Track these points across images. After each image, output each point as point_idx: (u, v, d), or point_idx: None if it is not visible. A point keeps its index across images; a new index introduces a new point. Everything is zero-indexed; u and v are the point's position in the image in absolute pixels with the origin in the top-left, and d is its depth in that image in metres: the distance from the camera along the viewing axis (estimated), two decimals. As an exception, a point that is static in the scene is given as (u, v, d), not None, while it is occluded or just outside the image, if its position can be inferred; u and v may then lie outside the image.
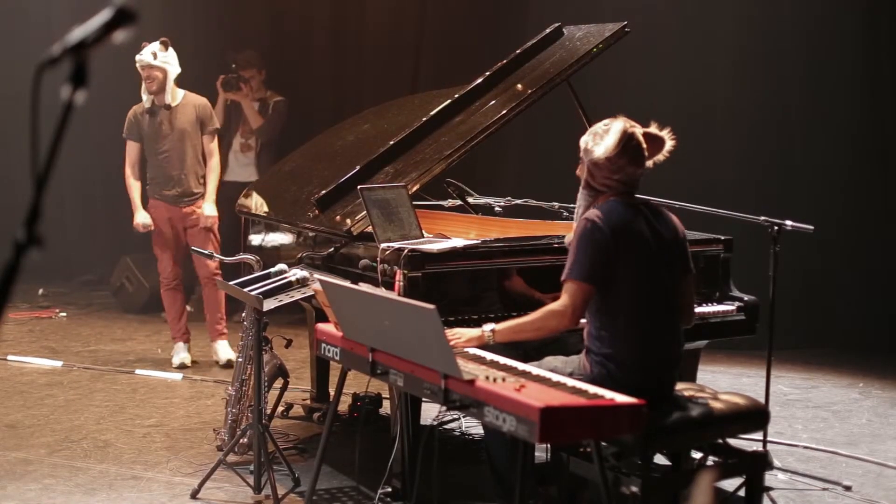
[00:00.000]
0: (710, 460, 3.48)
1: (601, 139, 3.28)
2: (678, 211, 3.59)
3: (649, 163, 3.38)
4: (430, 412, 4.40)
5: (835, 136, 7.25)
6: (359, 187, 4.11)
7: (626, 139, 3.26)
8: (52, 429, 4.95)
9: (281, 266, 4.25)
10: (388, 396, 4.63)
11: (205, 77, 7.94)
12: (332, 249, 4.41)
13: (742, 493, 3.43)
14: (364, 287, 3.71)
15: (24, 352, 6.48)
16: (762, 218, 4.36)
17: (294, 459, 4.42)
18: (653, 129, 3.39)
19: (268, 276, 4.16)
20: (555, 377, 2.96)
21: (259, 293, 3.96)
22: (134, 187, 6.19)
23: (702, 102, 7.24)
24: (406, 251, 3.76)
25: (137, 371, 6.12)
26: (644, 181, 3.37)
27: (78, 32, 1.28)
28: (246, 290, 4.00)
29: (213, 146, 6.19)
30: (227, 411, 4.53)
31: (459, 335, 3.38)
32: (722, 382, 5.97)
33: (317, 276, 3.90)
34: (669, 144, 3.38)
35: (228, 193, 7.57)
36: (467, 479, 4.24)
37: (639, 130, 3.33)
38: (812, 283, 7.17)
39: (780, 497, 4.16)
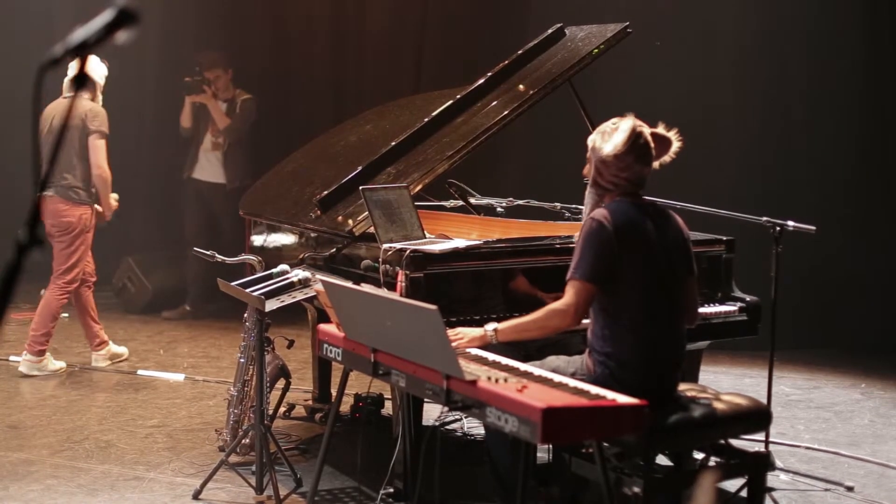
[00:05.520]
0: (712, 461, 3.47)
1: (610, 137, 3.28)
2: (680, 211, 3.58)
3: (655, 164, 3.38)
4: (431, 413, 4.40)
5: (836, 137, 7.25)
6: (361, 188, 4.11)
7: (635, 137, 3.27)
8: (54, 429, 4.96)
9: (283, 267, 4.25)
10: (389, 397, 4.63)
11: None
12: (334, 250, 4.42)
13: (744, 493, 3.42)
14: (366, 288, 3.71)
15: (27, 352, 6.47)
16: (764, 218, 4.36)
17: (296, 460, 4.42)
18: (660, 129, 3.40)
19: (270, 277, 4.16)
20: (557, 378, 2.96)
21: (261, 294, 3.96)
22: None
23: (703, 103, 7.24)
24: (408, 252, 3.76)
25: (139, 372, 6.13)
26: (647, 182, 3.37)
27: (80, 33, 1.28)
28: (248, 290, 4.00)
29: None
30: (229, 412, 4.52)
31: (462, 335, 3.38)
32: (724, 383, 5.97)
33: (319, 276, 3.90)
34: (676, 145, 3.37)
35: (197, 191, 7.68)
36: (469, 480, 4.23)
37: (646, 130, 3.33)
38: (814, 283, 7.16)
39: (782, 498, 4.16)
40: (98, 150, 6.05)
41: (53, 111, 6.12)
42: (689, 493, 3.09)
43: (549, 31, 4.87)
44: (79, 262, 6.11)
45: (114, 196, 6.19)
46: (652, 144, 3.31)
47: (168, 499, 4.07)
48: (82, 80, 1.29)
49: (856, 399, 5.91)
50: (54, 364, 6.11)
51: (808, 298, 7.08)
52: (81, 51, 1.28)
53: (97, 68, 6.13)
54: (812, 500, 4.21)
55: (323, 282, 3.49)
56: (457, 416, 4.93)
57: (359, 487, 4.10)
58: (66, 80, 6.04)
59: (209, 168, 7.74)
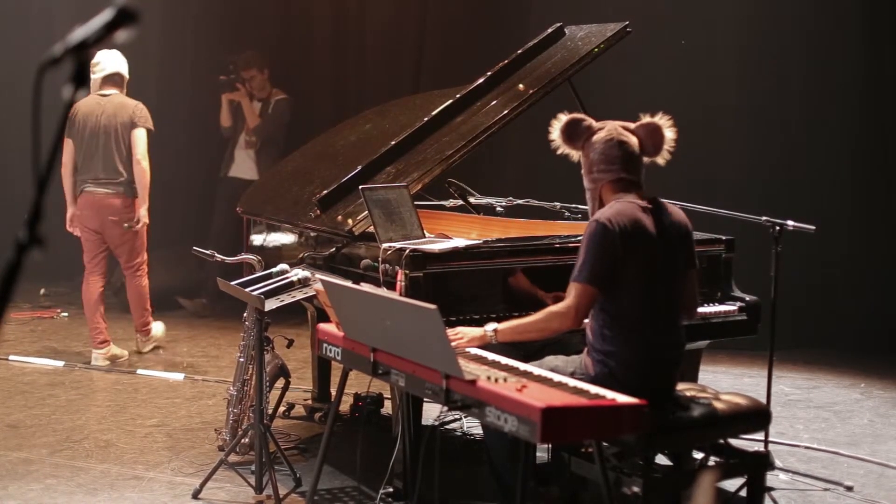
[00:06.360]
0: (712, 460, 3.48)
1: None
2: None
3: (660, 160, 3.38)
4: (431, 412, 4.40)
5: (837, 136, 7.25)
6: (360, 187, 4.11)
7: (570, 125, 3.36)
8: (53, 429, 4.96)
9: (282, 266, 4.24)
10: (389, 396, 4.63)
11: (206, 76, 7.96)
12: (333, 249, 4.42)
13: (743, 493, 3.43)
14: (365, 287, 3.71)
15: (26, 352, 6.48)
16: (764, 218, 4.36)
17: (295, 459, 4.42)
18: (645, 119, 3.39)
19: (269, 276, 4.16)
20: (556, 377, 2.96)
21: (261, 293, 3.96)
22: None
23: (703, 102, 7.23)
24: (408, 251, 3.76)
25: (139, 371, 6.13)
26: (646, 181, 3.37)
27: (79, 32, 1.28)
28: (247, 290, 4.00)
29: None
30: (228, 411, 4.52)
31: (462, 335, 3.38)
32: (723, 382, 5.97)
33: (318, 276, 3.90)
34: (670, 134, 3.36)
35: (232, 189, 7.74)
36: (468, 480, 4.24)
37: (627, 136, 3.34)
38: (814, 283, 7.16)
39: (782, 497, 4.16)
40: (142, 140, 6.24)
41: (89, 110, 6.16)
42: (689, 493, 3.09)
43: (549, 30, 4.87)
44: (143, 246, 6.48)
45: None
46: (622, 126, 3.35)
47: (167, 498, 4.07)
48: (84, 80, 1.29)
49: (855, 399, 5.91)
50: (159, 331, 6.66)
51: (808, 298, 7.07)
52: (81, 50, 1.28)
53: (122, 63, 6.22)
54: (811, 499, 4.21)
55: (322, 281, 3.49)
56: (456, 416, 4.93)
57: (358, 487, 4.10)
58: (98, 79, 6.12)
59: (243, 166, 7.87)
